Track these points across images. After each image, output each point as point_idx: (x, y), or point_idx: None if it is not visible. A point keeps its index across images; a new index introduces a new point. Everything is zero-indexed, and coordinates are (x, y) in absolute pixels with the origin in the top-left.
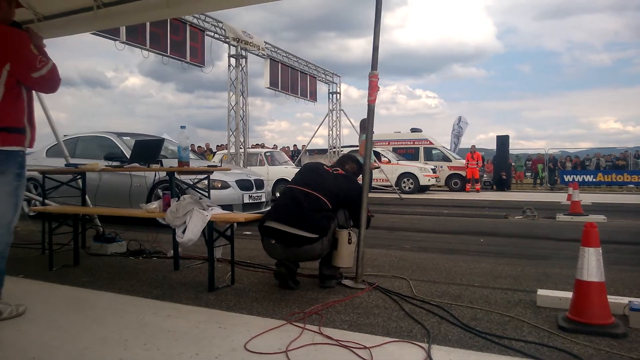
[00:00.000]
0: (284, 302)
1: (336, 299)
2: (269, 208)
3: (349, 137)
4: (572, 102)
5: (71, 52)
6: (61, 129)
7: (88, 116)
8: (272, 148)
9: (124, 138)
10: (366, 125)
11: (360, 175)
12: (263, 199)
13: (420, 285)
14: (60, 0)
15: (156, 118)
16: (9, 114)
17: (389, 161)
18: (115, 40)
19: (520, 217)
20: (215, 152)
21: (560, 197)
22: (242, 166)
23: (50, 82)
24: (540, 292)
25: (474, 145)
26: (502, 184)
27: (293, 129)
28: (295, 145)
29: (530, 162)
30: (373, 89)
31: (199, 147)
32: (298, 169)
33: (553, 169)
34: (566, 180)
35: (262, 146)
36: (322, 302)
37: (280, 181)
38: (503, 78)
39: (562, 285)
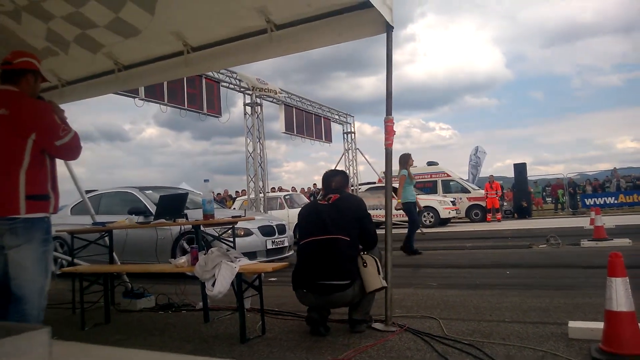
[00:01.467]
0: (316, 350)
1: (368, 344)
2: (291, 252)
3: (366, 173)
4: (587, 125)
5: (90, 107)
6: (81, 184)
7: (106, 169)
8: (291, 190)
9: (147, 192)
10: (385, 168)
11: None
12: (286, 244)
13: (451, 324)
14: (82, 66)
15: (173, 167)
16: (34, 182)
17: None
18: (134, 97)
19: (544, 245)
20: (235, 199)
21: (582, 222)
22: (262, 211)
23: (73, 149)
24: (572, 324)
25: (492, 175)
26: (523, 212)
27: (309, 169)
28: (315, 185)
29: (550, 188)
30: (389, 133)
31: (219, 194)
32: (298, 214)
33: (573, 194)
34: (587, 204)
35: (280, 189)
36: (354, 347)
37: None
38: (515, 105)
39: (593, 315)
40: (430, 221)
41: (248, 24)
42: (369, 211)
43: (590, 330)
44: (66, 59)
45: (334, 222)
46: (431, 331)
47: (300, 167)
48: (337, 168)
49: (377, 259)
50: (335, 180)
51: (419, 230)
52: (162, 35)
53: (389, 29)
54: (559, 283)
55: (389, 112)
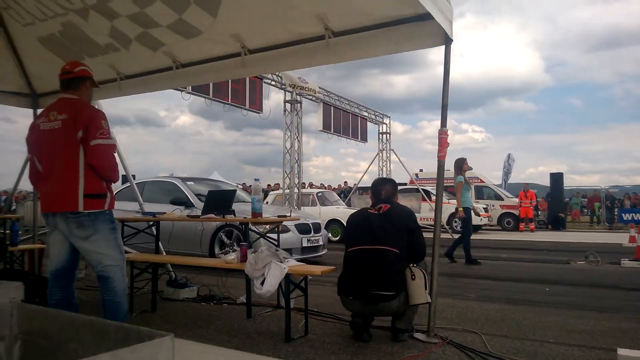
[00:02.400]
0: (361, 356)
1: (412, 354)
2: (325, 251)
3: (395, 173)
4: (627, 135)
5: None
6: (130, 172)
7: (141, 153)
8: (320, 187)
9: (188, 183)
10: (437, 180)
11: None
12: (320, 242)
13: (493, 340)
14: (141, 62)
15: (204, 155)
16: (91, 182)
17: None
18: (181, 91)
19: (583, 262)
20: (267, 192)
21: (620, 238)
22: (296, 207)
23: (103, 155)
24: (621, 351)
25: (527, 184)
26: (557, 224)
27: (337, 164)
28: (345, 182)
29: (586, 199)
30: (443, 145)
31: (250, 185)
32: (347, 220)
33: (611, 207)
34: (625, 219)
35: (311, 185)
36: (397, 356)
37: (332, 221)
38: (553, 112)
39: None
40: (461, 227)
41: (306, 29)
42: None
43: None
44: (126, 54)
45: (384, 233)
46: (474, 346)
47: (328, 162)
48: (376, 168)
49: (425, 273)
50: (384, 189)
51: (449, 235)
52: (222, 37)
53: (447, 41)
54: (602, 304)
55: (443, 123)
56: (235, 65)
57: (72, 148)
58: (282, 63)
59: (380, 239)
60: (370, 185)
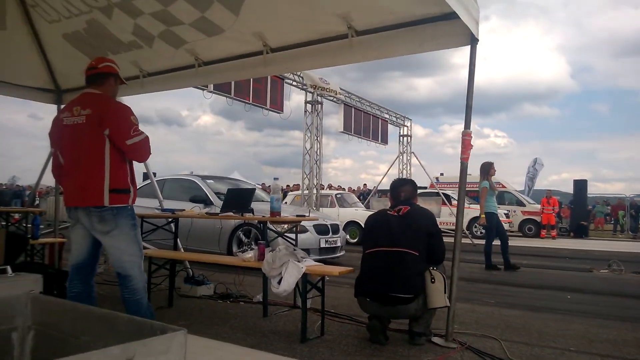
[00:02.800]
0: (376, 358)
1: (429, 358)
2: (343, 253)
3: (417, 176)
4: None
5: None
6: (138, 165)
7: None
8: (338, 189)
9: (208, 181)
10: (459, 183)
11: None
12: (338, 243)
13: (513, 346)
14: (164, 60)
15: (225, 155)
16: (117, 177)
17: None
18: (203, 89)
19: (606, 271)
20: (287, 193)
21: None
22: (314, 208)
23: (141, 150)
24: None
25: (550, 190)
26: (580, 231)
27: (356, 167)
28: (365, 185)
29: (610, 207)
30: (466, 147)
31: (269, 185)
32: (366, 221)
33: (635, 216)
34: None
35: (330, 187)
36: None
37: (350, 223)
38: (578, 118)
39: None
40: (481, 232)
41: (329, 28)
42: None
43: None
44: (149, 52)
45: (404, 236)
46: (493, 352)
47: (348, 165)
48: (396, 171)
49: (444, 276)
50: (404, 190)
51: (469, 241)
52: (244, 35)
53: (473, 41)
54: (625, 314)
55: (467, 125)
56: (257, 63)
57: (97, 143)
58: (304, 62)
59: (399, 241)
60: (387, 188)
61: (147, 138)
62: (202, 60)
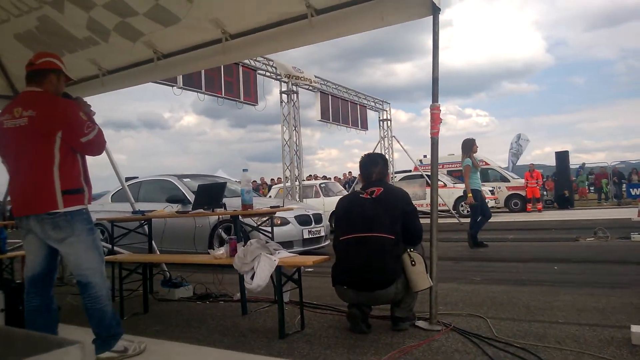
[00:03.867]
0: (358, 349)
1: (413, 344)
2: (328, 242)
3: (401, 161)
4: (630, 111)
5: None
6: (122, 170)
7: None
8: (324, 178)
9: (185, 180)
10: (431, 158)
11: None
12: (322, 233)
13: (500, 324)
14: (122, 55)
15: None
16: (68, 177)
17: (445, 185)
18: (172, 86)
19: (592, 238)
20: (271, 186)
21: (629, 213)
22: (298, 199)
23: (97, 145)
24: (635, 328)
25: (532, 164)
26: (565, 202)
27: (342, 156)
28: (350, 173)
29: (593, 177)
30: (435, 122)
31: (254, 181)
32: (337, 205)
33: (618, 183)
34: (633, 194)
35: (315, 177)
36: (398, 347)
37: None
38: (556, 91)
39: None
40: (467, 211)
41: (287, 9)
42: None
43: None
44: (106, 48)
45: (378, 220)
46: (479, 331)
47: (334, 155)
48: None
49: (424, 258)
50: (376, 171)
51: (456, 220)
52: (201, 23)
53: (435, 11)
54: (613, 281)
55: (435, 99)
56: (216, 52)
57: (44, 144)
58: (265, 46)
59: (375, 226)
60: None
61: (100, 131)
62: (161, 53)
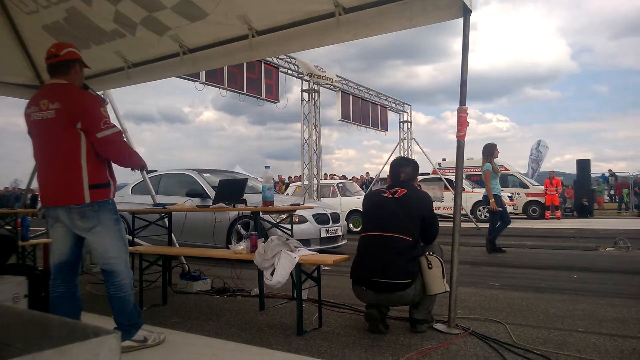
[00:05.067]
0: (376, 349)
1: (431, 346)
2: (344, 241)
3: (420, 164)
4: None
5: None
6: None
7: (165, 149)
8: (342, 178)
9: (204, 175)
10: (456, 161)
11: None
12: (339, 232)
13: (519, 330)
14: (148, 48)
15: (228, 150)
16: (95, 171)
17: (463, 189)
18: (195, 81)
19: (612, 248)
20: (289, 184)
21: None
22: (315, 198)
23: (113, 145)
24: None
25: (553, 171)
26: (584, 211)
27: (360, 156)
28: (367, 174)
29: (614, 186)
30: (462, 125)
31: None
32: (363, 202)
33: (639, 193)
34: None
35: (332, 177)
36: (415, 349)
37: (353, 212)
38: (579, 99)
39: None
40: (485, 216)
41: (316, 7)
42: None
43: None
44: (133, 41)
45: (398, 220)
46: (498, 336)
47: (351, 155)
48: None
49: (442, 261)
50: (405, 171)
51: (473, 225)
52: (228, 19)
53: (466, 12)
54: (634, 291)
55: (462, 101)
56: (243, 48)
57: (71, 138)
58: (292, 44)
59: (392, 226)
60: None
61: (119, 132)
62: (187, 48)
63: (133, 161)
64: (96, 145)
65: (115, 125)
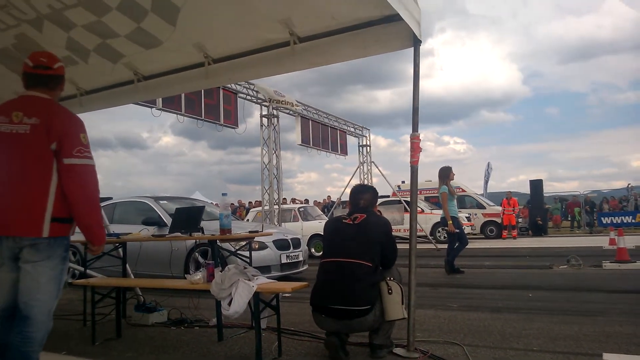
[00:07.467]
0: None
1: None
2: (306, 267)
3: (379, 186)
4: (602, 142)
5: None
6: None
7: (123, 176)
8: (304, 202)
9: (161, 202)
10: (410, 186)
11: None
12: (300, 258)
13: (476, 351)
14: (102, 76)
15: (188, 175)
16: (62, 203)
17: (422, 210)
18: (152, 107)
19: (565, 266)
20: (249, 209)
21: (600, 241)
22: (276, 223)
23: (79, 179)
24: (607, 356)
25: (510, 192)
26: (539, 230)
27: (322, 180)
28: (329, 197)
29: (564, 204)
30: (415, 151)
31: (232, 204)
32: (324, 228)
33: (590, 212)
34: (604, 222)
35: (293, 201)
36: None
37: (315, 236)
38: (531, 121)
39: (626, 346)
40: (445, 237)
41: (271, 36)
42: None
43: None
44: (86, 68)
45: (357, 246)
46: (456, 359)
47: (313, 178)
48: (358, 182)
49: (401, 287)
50: (364, 198)
51: (433, 247)
52: (184, 47)
53: (416, 42)
54: (585, 308)
55: (415, 128)
56: (199, 75)
57: (43, 160)
58: (248, 72)
59: (352, 252)
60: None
61: (90, 167)
62: (141, 75)
63: (88, 211)
64: (60, 171)
65: (91, 159)
